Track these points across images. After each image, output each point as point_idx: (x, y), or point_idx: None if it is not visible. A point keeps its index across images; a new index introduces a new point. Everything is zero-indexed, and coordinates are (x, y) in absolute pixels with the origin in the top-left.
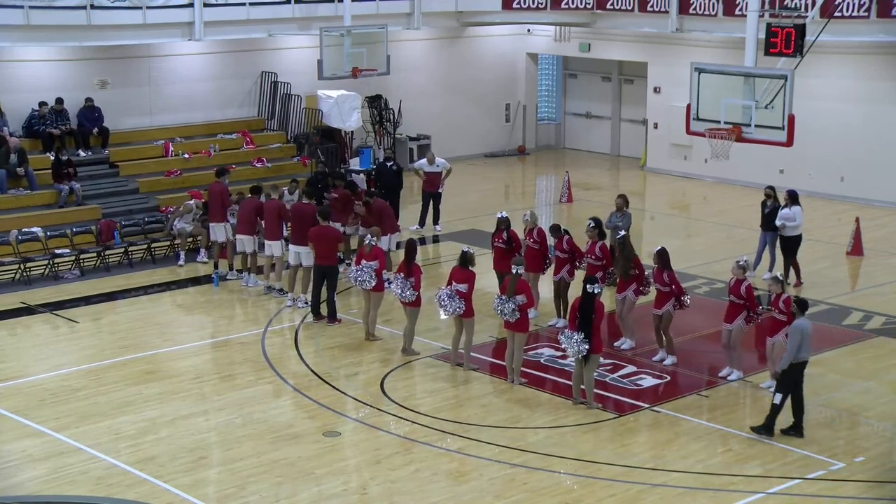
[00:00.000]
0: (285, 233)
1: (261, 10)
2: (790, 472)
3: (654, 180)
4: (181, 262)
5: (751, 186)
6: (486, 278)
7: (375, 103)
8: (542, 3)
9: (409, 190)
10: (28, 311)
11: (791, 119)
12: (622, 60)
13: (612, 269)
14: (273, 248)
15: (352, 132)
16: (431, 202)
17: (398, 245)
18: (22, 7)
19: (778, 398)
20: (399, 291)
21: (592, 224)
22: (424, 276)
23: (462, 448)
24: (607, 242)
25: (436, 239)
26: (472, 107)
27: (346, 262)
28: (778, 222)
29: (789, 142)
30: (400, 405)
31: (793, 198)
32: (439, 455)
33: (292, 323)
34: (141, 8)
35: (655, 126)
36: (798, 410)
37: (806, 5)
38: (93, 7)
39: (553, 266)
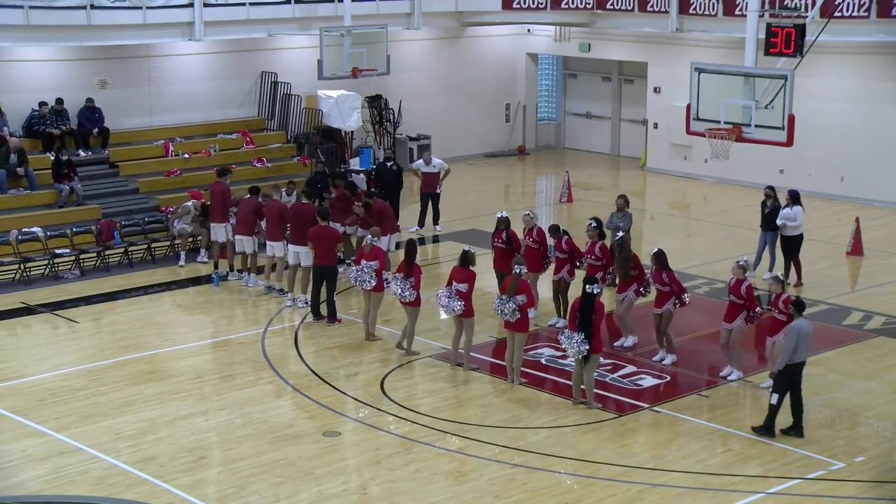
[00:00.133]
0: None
1: (261, 10)
2: (790, 472)
3: (654, 180)
4: (181, 262)
5: (751, 186)
6: (486, 278)
7: (375, 103)
8: (542, 3)
9: (409, 190)
10: (28, 311)
11: (791, 119)
12: (622, 60)
13: (613, 270)
14: (275, 248)
15: (352, 132)
16: (430, 203)
17: (398, 245)
18: (22, 7)
19: (775, 398)
20: (398, 291)
21: (594, 224)
22: (424, 276)
23: (462, 448)
24: (607, 243)
25: (435, 239)
26: (472, 107)
27: (347, 262)
28: (779, 222)
29: (789, 142)
30: (400, 405)
31: (794, 198)
32: (439, 455)
33: (292, 323)
34: (141, 8)
35: (655, 126)
36: (797, 411)
37: (806, 5)
38: (93, 7)
39: (553, 266)
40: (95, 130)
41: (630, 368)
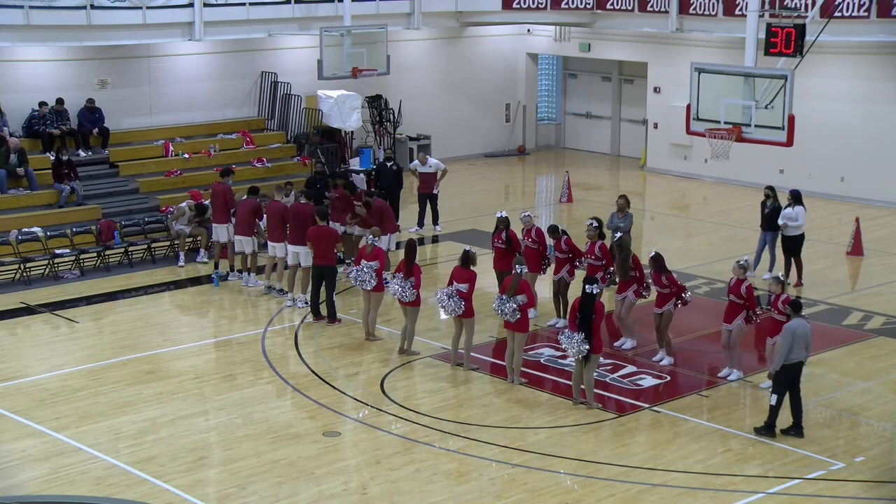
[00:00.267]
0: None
1: (261, 10)
2: (790, 472)
3: (654, 180)
4: (180, 262)
5: (751, 186)
6: (486, 278)
7: (375, 103)
8: (542, 3)
9: (409, 190)
10: (28, 311)
11: (791, 119)
12: (622, 60)
13: (613, 270)
14: (277, 249)
15: (352, 132)
16: (428, 203)
17: (397, 245)
18: (22, 7)
19: (774, 399)
20: (398, 291)
21: (595, 224)
22: (423, 277)
23: (462, 448)
24: (607, 243)
25: (435, 239)
26: (472, 107)
27: (347, 262)
28: (781, 221)
29: (789, 142)
30: (400, 405)
31: (796, 198)
32: (439, 455)
33: (292, 323)
34: (141, 8)
35: (655, 126)
36: (797, 411)
37: (806, 5)
38: (93, 7)
39: (553, 266)
40: (95, 130)
41: (630, 368)
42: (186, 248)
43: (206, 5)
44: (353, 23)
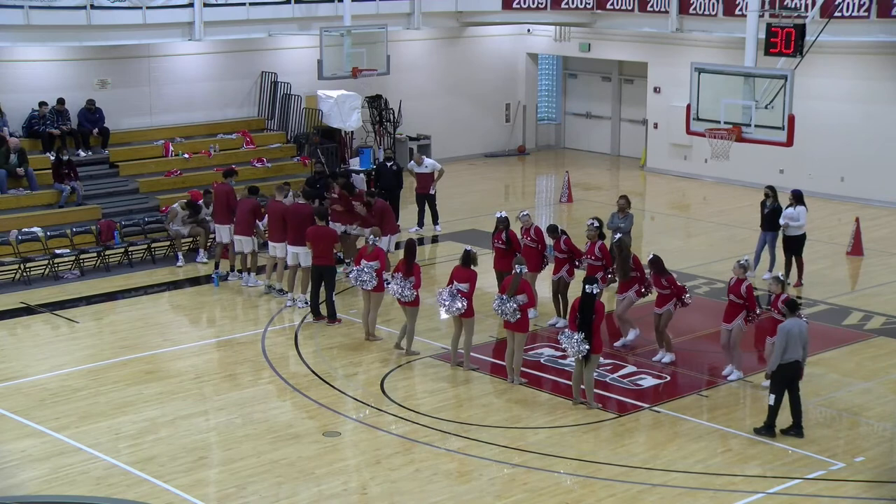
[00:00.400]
0: None
1: (261, 10)
2: (790, 472)
3: (654, 180)
4: (179, 263)
5: (751, 186)
6: (487, 278)
7: (375, 103)
8: (542, 3)
9: (409, 190)
10: (28, 311)
11: (791, 119)
12: (622, 60)
13: (613, 269)
14: (277, 249)
15: (352, 132)
16: (426, 204)
17: (397, 245)
18: (22, 7)
19: (772, 399)
20: (398, 291)
21: (596, 224)
22: (422, 276)
23: (462, 448)
24: (607, 243)
25: (435, 239)
26: (472, 107)
27: (347, 261)
28: (782, 221)
29: (789, 142)
30: (400, 405)
31: (797, 198)
32: (439, 455)
33: (292, 323)
34: (141, 8)
35: (655, 126)
36: (796, 411)
37: (806, 5)
38: (93, 7)
39: (552, 265)
40: (95, 130)
41: (630, 368)
42: (186, 248)
43: (206, 5)
44: (353, 23)
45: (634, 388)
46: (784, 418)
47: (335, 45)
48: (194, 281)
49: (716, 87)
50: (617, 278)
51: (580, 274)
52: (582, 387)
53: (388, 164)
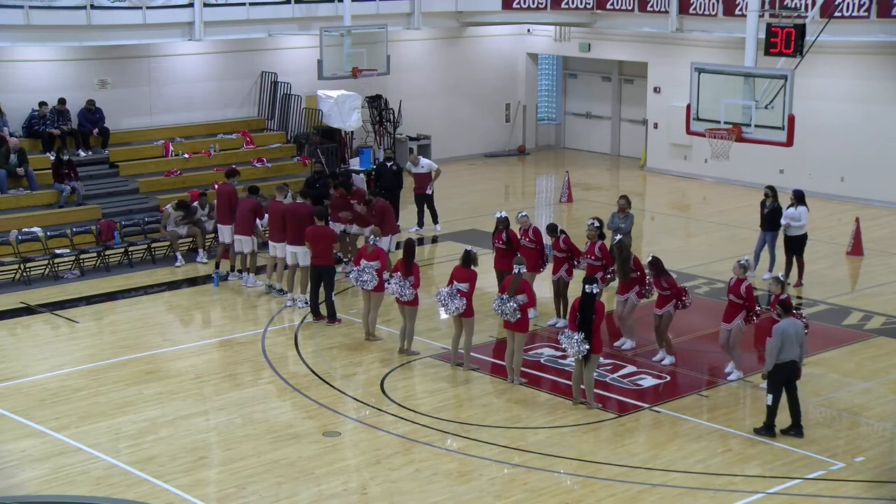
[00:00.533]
0: None
1: (261, 10)
2: (790, 472)
3: (654, 180)
4: (178, 263)
5: (751, 186)
6: (487, 278)
7: (375, 103)
8: (542, 3)
9: (409, 190)
10: (28, 311)
11: (791, 119)
12: (622, 60)
13: (613, 269)
14: (277, 249)
15: (352, 132)
16: (425, 204)
17: (397, 245)
18: (22, 7)
19: (769, 399)
20: (397, 290)
21: (596, 224)
22: (421, 276)
23: (462, 448)
24: (607, 243)
25: (434, 239)
26: (472, 107)
27: (345, 260)
28: (784, 221)
29: (789, 142)
30: (400, 405)
31: (799, 198)
32: (439, 455)
33: (292, 323)
34: (141, 8)
35: (655, 126)
36: (794, 410)
37: (806, 5)
38: (93, 7)
39: (551, 265)
40: (95, 131)
41: (630, 368)
42: (186, 248)
43: (206, 5)
44: (353, 23)
45: (634, 388)
46: (784, 418)
47: (335, 45)
48: (194, 281)
49: (716, 87)
50: (617, 279)
51: (579, 274)
52: (582, 387)
53: (388, 164)
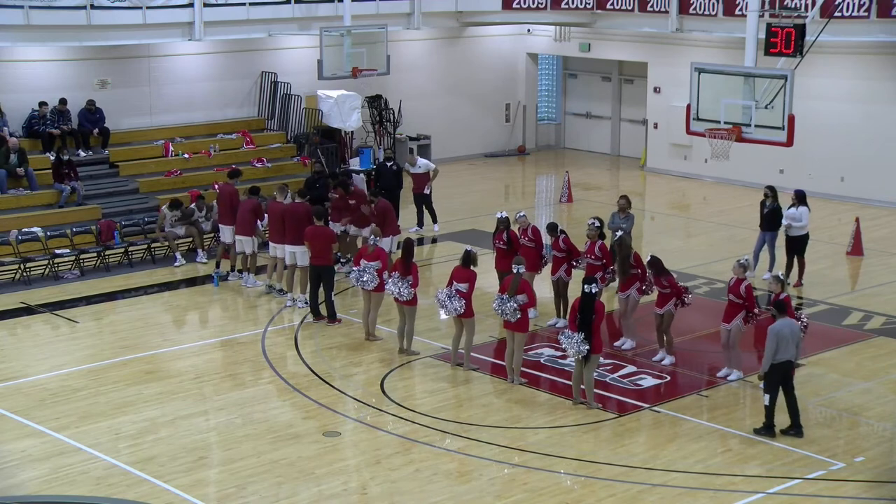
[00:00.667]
0: None
1: (261, 10)
2: (790, 472)
3: (654, 180)
4: (177, 263)
5: (751, 186)
6: (487, 278)
7: (375, 103)
8: (542, 3)
9: (408, 190)
10: (28, 311)
11: (791, 119)
12: (622, 60)
13: (612, 269)
14: (277, 249)
15: (352, 132)
16: (423, 204)
17: (398, 245)
18: (22, 7)
19: (767, 399)
20: (396, 290)
21: (597, 223)
22: (420, 276)
23: (462, 448)
24: (608, 243)
25: (434, 239)
26: (472, 107)
27: (343, 260)
28: (785, 222)
29: (789, 142)
30: (400, 405)
31: (800, 198)
32: (439, 455)
33: (292, 323)
34: (141, 8)
35: (655, 126)
36: (793, 410)
37: (806, 5)
38: (93, 7)
39: (550, 265)
40: (95, 131)
41: (630, 368)
42: (185, 248)
43: (206, 5)
44: (353, 23)
45: (634, 388)
46: (784, 418)
47: (335, 45)
48: (194, 281)
49: (716, 87)
50: (617, 277)
51: (579, 274)
52: (582, 387)
53: (388, 164)
